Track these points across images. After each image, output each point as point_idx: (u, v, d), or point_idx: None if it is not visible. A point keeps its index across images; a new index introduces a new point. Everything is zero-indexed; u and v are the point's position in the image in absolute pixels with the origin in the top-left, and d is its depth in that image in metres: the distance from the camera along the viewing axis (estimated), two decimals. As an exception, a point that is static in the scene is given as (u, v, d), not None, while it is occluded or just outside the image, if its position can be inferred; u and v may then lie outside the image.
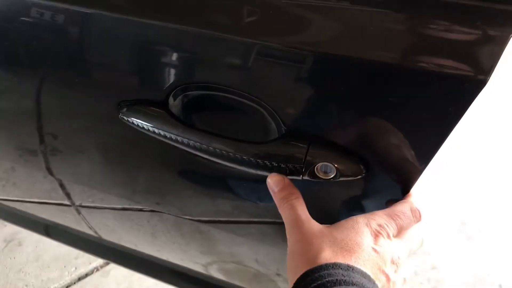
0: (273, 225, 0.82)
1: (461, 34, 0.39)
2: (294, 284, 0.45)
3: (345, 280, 0.42)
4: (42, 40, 0.61)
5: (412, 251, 0.48)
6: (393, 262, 0.46)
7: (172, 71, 0.54)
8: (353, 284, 0.42)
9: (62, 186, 1.02)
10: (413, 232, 0.49)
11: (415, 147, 0.45)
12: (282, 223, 0.76)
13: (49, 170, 0.94)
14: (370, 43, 0.42)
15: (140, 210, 1.00)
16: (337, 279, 0.42)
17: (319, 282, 0.43)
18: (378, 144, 0.48)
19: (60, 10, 0.56)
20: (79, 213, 1.10)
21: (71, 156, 0.88)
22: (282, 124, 0.52)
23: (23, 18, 0.59)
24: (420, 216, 0.49)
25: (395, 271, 0.46)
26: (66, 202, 1.07)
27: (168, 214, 0.95)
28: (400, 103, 0.44)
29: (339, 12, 0.43)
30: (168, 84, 0.54)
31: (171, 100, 0.56)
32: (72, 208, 1.09)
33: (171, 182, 0.79)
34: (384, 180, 0.51)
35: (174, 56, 0.54)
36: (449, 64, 0.39)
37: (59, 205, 1.10)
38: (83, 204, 1.06)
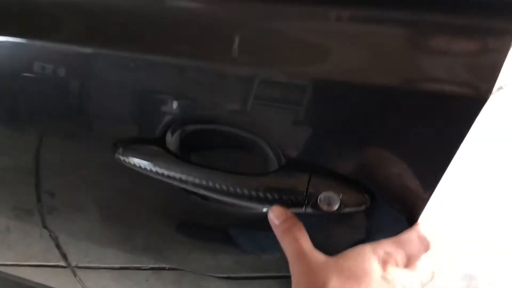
0: (278, 279, 0.80)
1: (457, 53, 0.39)
2: None
3: None
4: (37, 91, 0.62)
5: (423, 284, 0.46)
6: None
7: (168, 107, 0.54)
8: None
9: (58, 246, 1.00)
10: (423, 264, 0.48)
11: (418, 174, 0.44)
12: (287, 277, 0.74)
13: (46, 229, 0.92)
14: (367, 66, 0.42)
15: (139, 268, 0.97)
16: None
17: None
18: (380, 172, 0.47)
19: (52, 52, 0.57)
20: (75, 275, 1.06)
21: (68, 214, 0.87)
22: (281, 155, 0.51)
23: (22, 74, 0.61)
24: (428, 244, 0.48)
25: None
26: (62, 263, 1.04)
27: (168, 270, 0.92)
28: (399, 128, 0.44)
29: (329, 37, 0.44)
30: (164, 122, 0.54)
31: (168, 137, 0.56)
32: (68, 270, 1.06)
33: (171, 235, 0.77)
34: (390, 210, 0.49)
35: (169, 92, 0.54)
36: (448, 84, 0.39)
37: (55, 267, 1.07)
38: (79, 265, 1.03)
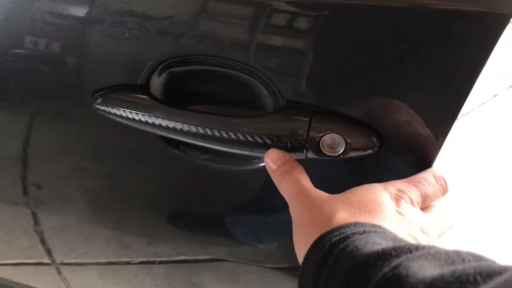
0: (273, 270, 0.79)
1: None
2: (309, 250, 0.38)
3: (376, 231, 0.36)
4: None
5: (441, 231, 0.42)
6: (423, 231, 0.40)
7: (152, 46, 0.49)
8: (386, 236, 0.35)
9: (43, 241, 0.96)
10: (442, 209, 0.44)
11: (435, 107, 0.41)
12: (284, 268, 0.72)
13: (31, 223, 0.89)
14: None
15: (128, 263, 0.95)
16: (364, 230, 0.36)
17: (342, 235, 0.36)
18: (391, 109, 0.43)
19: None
20: (59, 272, 1.02)
21: (55, 206, 0.85)
22: (280, 97, 0.47)
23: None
24: (446, 185, 0.44)
25: (428, 242, 0.40)
26: (46, 260, 1.00)
27: (159, 264, 0.90)
28: (413, 53, 0.40)
29: None
30: (149, 64, 0.50)
31: (153, 83, 0.52)
32: (52, 268, 1.02)
33: (165, 218, 0.76)
34: (401, 155, 0.46)
35: (153, 25, 0.48)
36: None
37: (38, 264, 1.02)
38: (64, 261, 0.99)
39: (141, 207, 0.76)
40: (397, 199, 0.41)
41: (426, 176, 0.44)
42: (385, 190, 0.41)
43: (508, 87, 1.62)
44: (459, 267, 0.27)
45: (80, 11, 0.52)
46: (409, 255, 0.31)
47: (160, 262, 0.91)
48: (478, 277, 0.26)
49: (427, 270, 0.29)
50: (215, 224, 0.73)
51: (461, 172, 1.44)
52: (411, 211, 0.41)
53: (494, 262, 0.29)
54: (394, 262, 0.31)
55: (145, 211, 0.77)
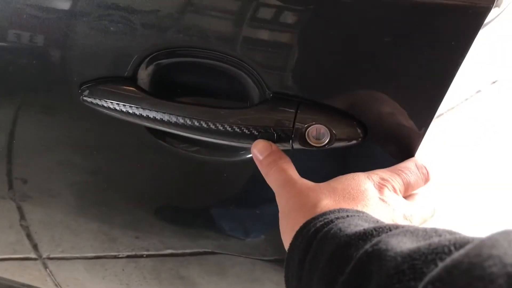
0: (260, 262, 0.80)
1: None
2: (295, 236, 0.39)
3: (359, 215, 0.37)
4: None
5: (424, 219, 0.43)
6: (405, 217, 0.41)
7: (139, 38, 0.49)
8: (368, 219, 0.36)
9: (29, 236, 0.96)
10: (424, 197, 0.45)
11: (417, 99, 0.42)
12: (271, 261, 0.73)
13: (17, 218, 0.89)
14: None
15: (115, 257, 0.95)
16: (348, 215, 0.37)
17: (326, 220, 0.37)
18: (375, 100, 0.44)
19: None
20: (45, 267, 1.02)
21: (41, 201, 0.84)
22: (266, 88, 0.48)
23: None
24: (428, 174, 0.45)
25: None
26: (33, 255, 1.00)
27: (146, 258, 0.90)
28: (396, 45, 0.41)
29: None
30: (136, 56, 0.50)
31: (140, 75, 0.52)
32: (38, 263, 1.02)
33: (152, 212, 0.76)
34: (385, 145, 0.47)
35: (139, 18, 0.48)
36: None
37: (24, 259, 1.02)
38: (51, 256, 0.99)
39: (128, 200, 0.76)
40: (380, 187, 0.42)
41: (409, 165, 0.45)
42: (369, 179, 0.43)
43: (492, 83, 1.65)
44: (435, 239, 0.29)
45: (66, 4, 0.52)
46: (389, 233, 0.32)
47: (148, 256, 0.91)
48: (452, 247, 0.27)
49: (405, 244, 0.30)
50: (203, 217, 0.74)
51: (445, 164, 1.46)
52: (394, 198, 0.42)
53: (469, 236, 0.30)
54: (375, 240, 0.32)
55: (133, 205, 0.77)
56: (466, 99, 1.62)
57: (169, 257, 0.90)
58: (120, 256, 0.93)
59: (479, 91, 1.65)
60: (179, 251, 0.88)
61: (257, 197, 0.62)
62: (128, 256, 0.93)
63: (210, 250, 0.81)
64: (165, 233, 0.82)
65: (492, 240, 0.24)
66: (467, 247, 0.25)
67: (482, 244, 0.24)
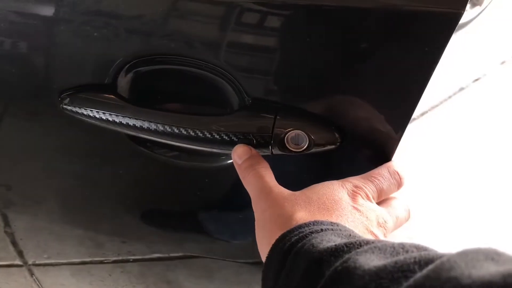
0: (247, 264, 0.80)
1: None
2: (271, 250, 0.39)
3: (333, 229, 0.38)
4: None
5: (399, 223, 0.44)
6: (379, 224, 0.42)
7: (117, 46, 0.49)
8: (341, 234, 0.37)
9: (14, 243, 0.95)
10: (398, 202, 0.46)
11: (388, 114, 0.43)
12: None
13: (2, 224, 0.88)
14: None
15: (101, 262, 0.94)
16: (322, 228, 0.37)
17: (301, 234, 0.37)
18: (352, 106, 0.45)
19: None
20: (31, 274, 1.01)
21: (26, 207, 0.83)
22: (246, 95, 0.48)
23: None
24: (401, 179, 0.46)
25: (384, 235, 0.42)
26: (18, 261, 0.99)
27: (133, 262, 0.90)
28: (372, 51, 0.42)
29: None
30: (115, 63, 0.50)
31: (120, 82, 0.52)
32: (24, 269, 1.01)
33: (138, 216, 0.76)
34: (362, 150, 0.48)
35: (117, 25, 0.48)
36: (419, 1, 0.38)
37: (9, 266, 1.01)
38: (37, 262, 0.98)
39: (114, 205, 0.76)
40: (354, 195, 0.43)
41: (381, 171, 0.46)
42: (342, 187, 0.43)
43: (474, 81, 1.67)
44: (401, 257, 0.29)
45: (45, 11, 0.52)
46: (358, 250, 0.33)
47: (134, 260, 0.91)
48: (416, 266, 0.28)
49: (372, 262, 0.31)
50: (188, 221, 0.74)
51: (427, 165, 1.48)
52: (367, 206, 0.43)
53: (434, 251, 0.31)
54: (345, 256, 0.33)
55: (118, 210, 0.77)
56: (450, 97, 1.64)
57: (156, 261, 0.90)
58: (106, 261, 0.93)
59: (462, 88, 1.67)
60: (166, 255, 0.88)
61: (241, 201, 0.62)
62: (114, 261, 0.92)
63: (197, 254, 0.81)
64: (152, 237, 0.82)
65: (450, 262, 0.25)
66: (429, 268, 0.26)
67: (442, 266, 0.25)
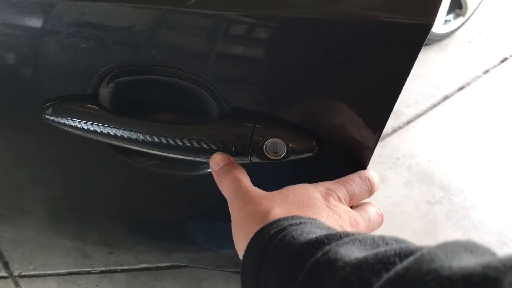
0: (235, 274, 0.80)
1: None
2: (249, 243, 0.39)
3: (311, 222, 0.38)
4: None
5: (370, 224, 0.44)
6: (352, 224, 0.42)
7: (99, 57, 0.49)
8: (320, 226, 0.37)
9: (-1, 254, 0.95)
10: (371, 206, 0.46)
11: (362, 124, 0.44)
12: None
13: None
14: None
15: (88, 272, 0.94)
16: (300, 222, 0.38)
17: (280, 227, 0.37)
18: (323, 122, 0.46)
19: None
20: (17, 285, 1.00)
21: (12, 218, 0.83)
22: (225, 104, 0.49)
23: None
24: (372, 186, 0.47)
25: None
26: (3, 273, 0.98)
27: (120, 272, 0.90)
28: (344, 62, 0.43)
29: None
30: (97, 75, 0.50)
31: (101, 91, 0.52)
32: (9, 281, 1.00)
33: (124, 226, 0.76)
34: (338, 158, 0.49)
35: (101, 36, 0.48)
36: (393, 11, 0.39)
37: (-6, 278, 1.00)
38: (22, 274, 0.97)
39: (100, 215, 0.76)
40: (326, 196, 0.43)
41: (353, 177, 0.47)
42: (316, 188, 0.44)
43: (458, 89, 1.70)
44: (382, 249, 0.30)
45: (30, 21, 0.52)
46: (338, 241, 0.33)
47: (122, 271, 0.90)
48: (397, 258, 0.28)
49: (353, 253, 0.31)
50: (174, 231, 0.74)
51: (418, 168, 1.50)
52: (339, 206, 0.43)
53: (413, 244, 0.31)
54: (326, 248, 0.33)
55: (104, 220, 0.76)
56: (434, 105, 1.67)
57: (143, 271, 0.90)
58: (93, 271, 0.92)
59: (446, 97, 1.70)
60: (153, 265, 0.88)
61: (225, 210, 0.63)
62: (101, 272, 0.92)
63: (184, 264, 0.81)
64: (139, 247, 0.82)
65: (431, 254, 0.26)
66: (409, 259, 0.26)
67: (422, 258, 0.26)
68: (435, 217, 1.38)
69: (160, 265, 0.89)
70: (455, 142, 1.58)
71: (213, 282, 0.87)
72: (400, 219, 1.38)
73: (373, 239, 0.33)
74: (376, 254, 0.29)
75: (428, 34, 0.40)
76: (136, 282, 0.92)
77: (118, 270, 0.90)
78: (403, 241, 0.32)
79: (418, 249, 0.28)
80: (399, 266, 0.26)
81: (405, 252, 0.28)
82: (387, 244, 0.32)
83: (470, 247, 0.26)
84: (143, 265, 0.90)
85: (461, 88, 1.71)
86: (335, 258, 0.31)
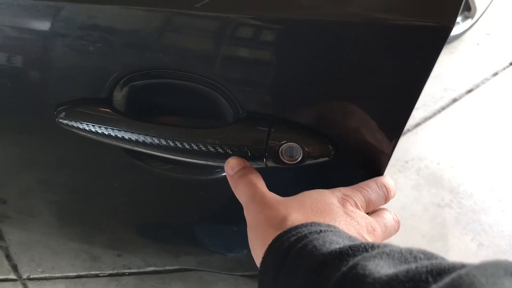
0: (244, 277, 0.79)
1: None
2: (267, 250, 0.38)
3: (331, 230, 0.37)
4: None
5: (387, 230, 0.44)
6: (369, 231, 0.42)
7: (113, 61, 0.49)
8: (341, 235, 0.37)
9: (8, 257, 0.94)
10: (387, 212, 0.46)
11: (378, 128, 0.44)
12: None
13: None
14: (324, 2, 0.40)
15: (96, 276, 0.94)
16: (321, 230, 0.37)
17: (299, 235, 0.37)
18: (339, 126, 0.46)
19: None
20: (26, 288, 1.00)
21: (21, 221, 0.83)
22: (240, 108, 0.48)
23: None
24: (388, 192, 0.46)
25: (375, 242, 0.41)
26: (12, 276, 0.98)
27: (128, 276, 0.90)
28: (362, 66, 0.42)
29: None
30: (111, 78, 0.50)
31: (115, 96, 0.52)
32: (18, 284, 1.00)
33: (133, 230, 0.76)
34: (354, 163, 0.48)
35: (116, 41, 0.48)
36: (412, 14, 0.39)
37: (3, 281, 1.00)
38: (31, 277, 0.97)
39: (109, 219, 0.76)
40: (343, 202, 0.43)
41: (370, 183, 0.46)
42: (333, 194, 0.44)
43: (467, 92, 1.69)
44: (412, 266, 0.29)
45: (42, 25, 0.52)
46: (365, 254, 0.32)
47: (130, 274, 0.90)
48: (429, 276, 0.27)
49: (382, 269, 0.30)
50: (184, 234, 0.73)
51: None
52: (357, 212, 0.43)
53: (443, 259, 0.30)
54: (352, 261, 0.32)
55: (113, 223, 0.76)
56: (443, 108, 1.66)
57: (151, 274, 0.90)
58: (101, 274, 0.92)
59: (455, 99, 1.69)
60: (161, 268, 0.88)
61: (237, 214, 0.63)
62: (110, 275, 0.92)
63: (192, 267, 0.81)
64: (147, 250, 0.81)
65: (470, 277, 0.25)
66: (446, 281, 0.25)
67: (461, 281, 0.25)
68: (444, 221, 1.37)
69: (168, 268, 0.89)
70: (464, 144, 1.56)
71: (221, 285, 0.87)
72: (409, 222, 1.37)
73: (400, 252, 0.32)
74: (407, 271, 0.28)
75: (448, 37, 0.39)
76: (144, 285, 0.92)
77: (126, 273, 0.90)
78: (432, 255, 0.31)
79: (451, 266, 0.27)
80: (435, 287, 0.25)
81: (437, 270, 0.27)
82: (415, 258, 0.31)
83: (510, 269, 0.25)
84: (151, 268, 0.90)
85: (470, 91, 1.71)
86: (363, 273, 0.30)
